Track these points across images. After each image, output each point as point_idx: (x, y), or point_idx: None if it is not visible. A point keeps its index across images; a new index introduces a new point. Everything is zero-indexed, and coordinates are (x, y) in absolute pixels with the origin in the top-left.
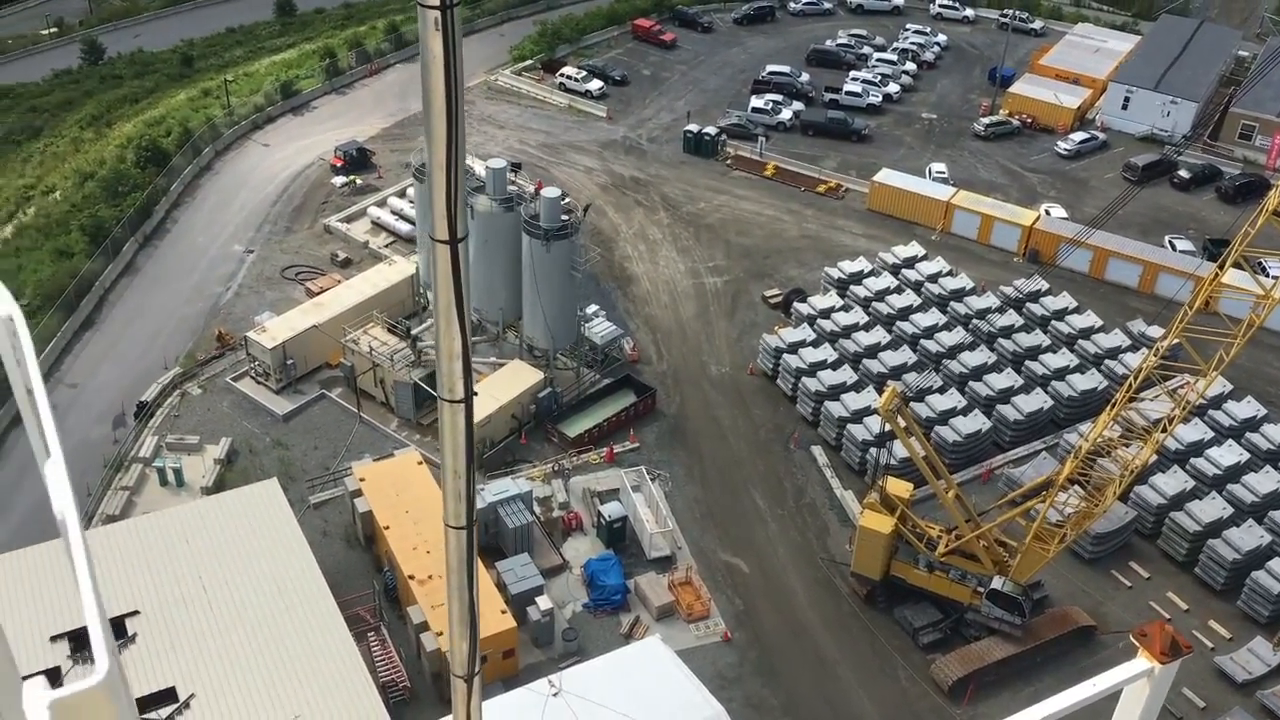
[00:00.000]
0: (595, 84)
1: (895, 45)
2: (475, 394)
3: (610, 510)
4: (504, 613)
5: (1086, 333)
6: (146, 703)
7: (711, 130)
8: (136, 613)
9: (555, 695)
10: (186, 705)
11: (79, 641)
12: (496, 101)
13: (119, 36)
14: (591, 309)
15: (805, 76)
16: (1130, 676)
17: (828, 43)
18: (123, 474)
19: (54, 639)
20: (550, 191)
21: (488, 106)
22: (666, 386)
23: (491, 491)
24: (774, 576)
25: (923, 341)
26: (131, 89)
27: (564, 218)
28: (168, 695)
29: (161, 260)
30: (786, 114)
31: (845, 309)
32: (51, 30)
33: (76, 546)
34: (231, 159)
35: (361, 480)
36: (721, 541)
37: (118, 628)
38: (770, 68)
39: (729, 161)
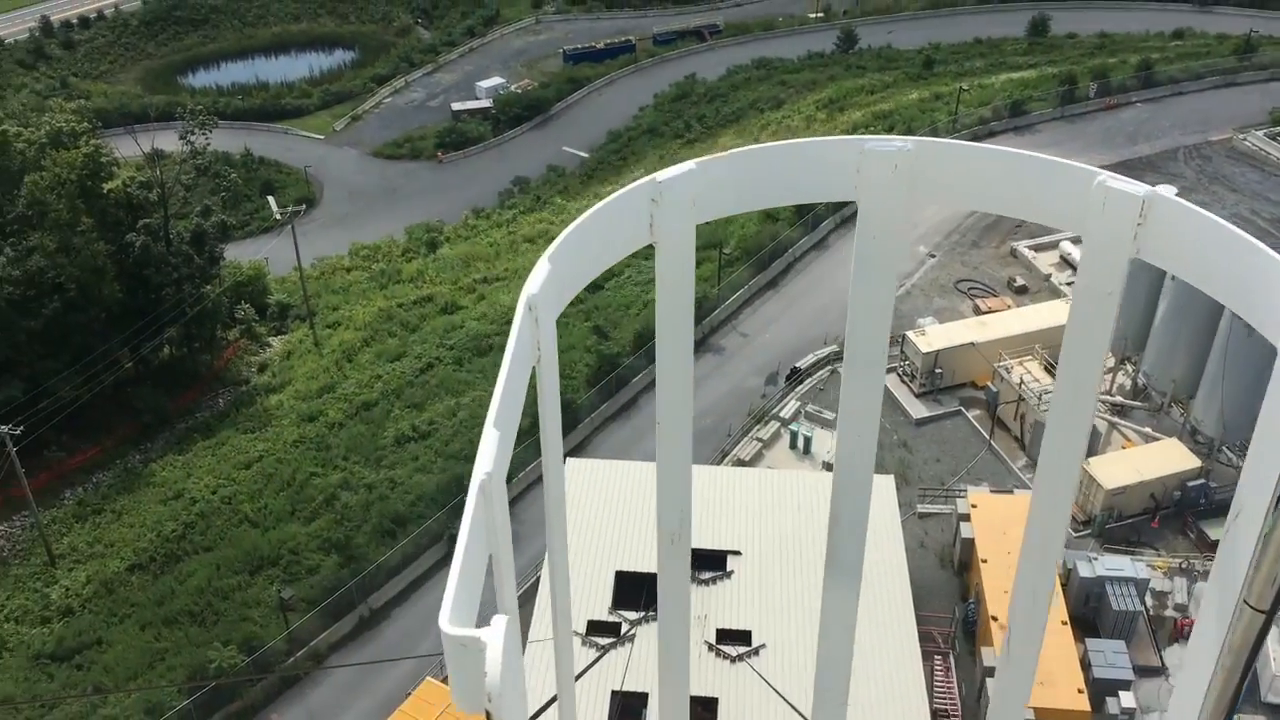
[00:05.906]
0: None
1: None
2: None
3: None
4: (1080, 692)
5: None
6: (724, 635)
7: None
8: (739, 553)
9: None
10: (756, 652)
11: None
12: (1238, 163)
13: (873, 30)
14: None
15: None
16: None
17: None
18: (761, 426)
19: None
20: None
21: (1225, 166)
22: None
23: (1105, 565)
24: None
25: None
26: (870, 81)
27: None
28: (743, 635)
29: (849, 243)
30: None
31: None
32: (818, 15)
33: None
34: None
35: (973, 506)
36: None
37: (719, 560)
38: None
39: None
